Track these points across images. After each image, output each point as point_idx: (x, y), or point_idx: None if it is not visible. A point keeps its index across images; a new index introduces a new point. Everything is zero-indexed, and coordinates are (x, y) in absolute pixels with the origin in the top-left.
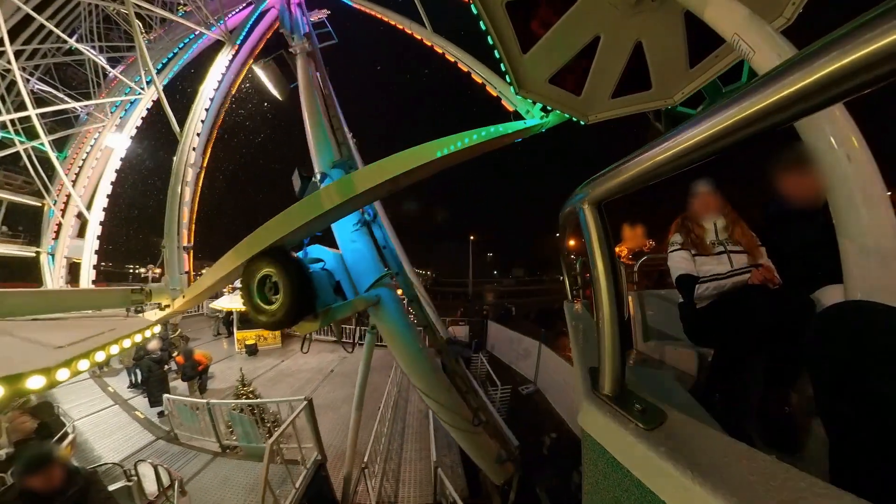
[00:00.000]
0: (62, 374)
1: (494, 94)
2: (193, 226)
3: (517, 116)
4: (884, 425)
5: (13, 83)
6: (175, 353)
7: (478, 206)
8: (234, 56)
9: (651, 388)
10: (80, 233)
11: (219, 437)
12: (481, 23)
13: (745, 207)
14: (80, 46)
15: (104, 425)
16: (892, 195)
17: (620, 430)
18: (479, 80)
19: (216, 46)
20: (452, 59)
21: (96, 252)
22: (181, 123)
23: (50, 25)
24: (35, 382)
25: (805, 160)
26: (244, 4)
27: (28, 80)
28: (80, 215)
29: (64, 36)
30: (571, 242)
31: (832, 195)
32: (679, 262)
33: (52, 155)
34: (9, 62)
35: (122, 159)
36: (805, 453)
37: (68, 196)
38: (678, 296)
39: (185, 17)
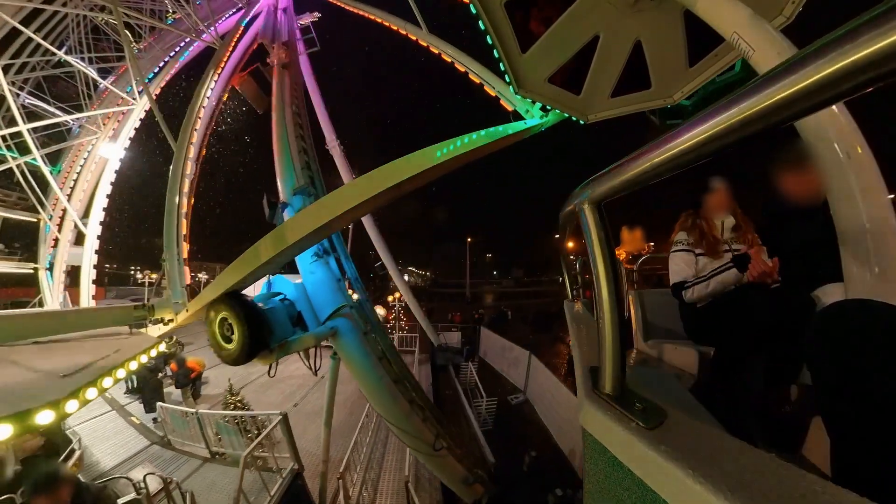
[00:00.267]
0: (71, 405)
1: (493, 93)
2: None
3: (517, 116)
4: (885, 424)
5: (3, 98)
6: (170, 361)
7: (478, 206)
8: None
9: (651, 387)
10: (79, 240)
11: (208, 444)
12: (480, 22)
13: (745, 207)
14: (69, 58)
15: (102, 430)
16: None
17: (621, 429)
18: (477, 81)
19: (208, 52)
20: (449, 60)
21: (96, 252)
22: (175, 131)
23: (38, 38)
24: (44, 417)
25: (805, 159)
26: (234, 10)
27: (18, 95)
28: (77, 226)
29: (52, 48)
30: (570, 244)
31: (832, 194)
32: (679, 264)
33: (46, 169)
34: None
35: (116, 171)
36: (805, 452)
37: (64, 210)
38: None
39: (175, 25)
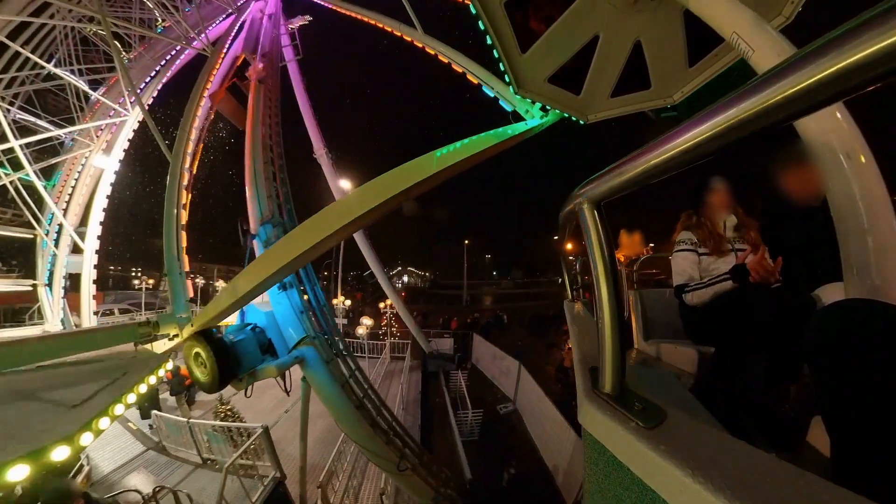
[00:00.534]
0: (86, 438)
1: (492, 94)
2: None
3: (516, 116)
4: (885, 424)
5: None
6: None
7: (478, 206)
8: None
9: (651, 387)
10: (77, 248)
11: (199, 451)
12: (480, 23)
13: (745, 206)
14: (58, 71)
15: (102, 434)
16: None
17: (621, 428)
18: (475, 81)
19: (200, 60)
20: (446, 61)
21: (95, 252)
22: (170, 139)
23: (25, 52)
24: (60, 454)
25: (804, 158)
26: (224, 16)
27: (8, 111)
28: (77, 232)
29: (41, 62)
30: (569, 246)
31: (831, 193)
32: (681, 265)
33: (39, 185)
34: None
35: (112, 184)
36: (805, 452)
37: (61, 224)
38: None
39: (165, 33)
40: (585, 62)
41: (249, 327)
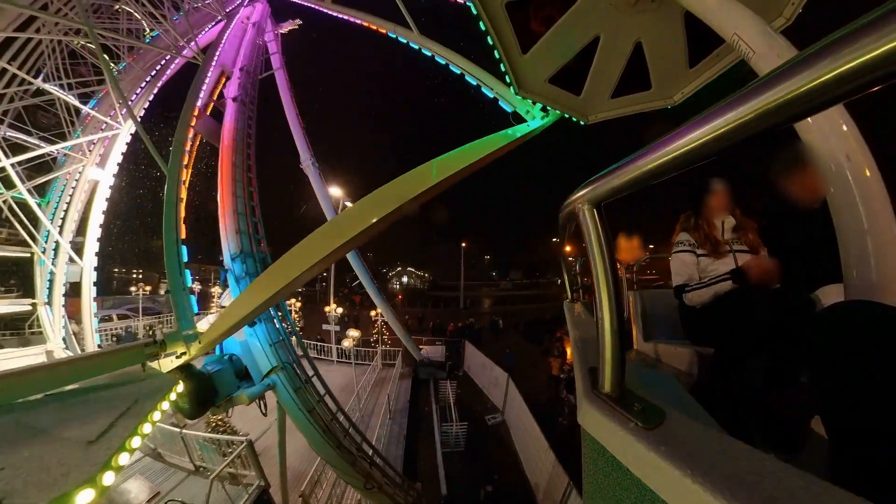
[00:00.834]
0: (108, 478)
1: (492, 95)
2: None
3: (517, 117)
4: (885, 425)
5: None
6: None
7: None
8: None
9: (651, 387)
10: (77, 252)
11: (192, 459)
12: (481, 23)
13: (744, 208)
14: (46, 86)
15: None
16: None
17: (620, 429)
18: (475, 82)
19: (191, 68)
20: (444, 63)
21: (95, 255)
22: (164, 147)
23: (12, 69)
24: (85, 498)
25: (804, 160)
26: (213, 23)
27: None
28: (75, 245)
29: (29, 78)
30: (569, 248)
31: (831, 194)
32: (680, 266)
33: (33, 202)
34: None
35: (107, 199)
36: (805, 453)
37: (57, 241)
38: None
39: (154, 43)
40: (586, 63)
41: (227, 357)
